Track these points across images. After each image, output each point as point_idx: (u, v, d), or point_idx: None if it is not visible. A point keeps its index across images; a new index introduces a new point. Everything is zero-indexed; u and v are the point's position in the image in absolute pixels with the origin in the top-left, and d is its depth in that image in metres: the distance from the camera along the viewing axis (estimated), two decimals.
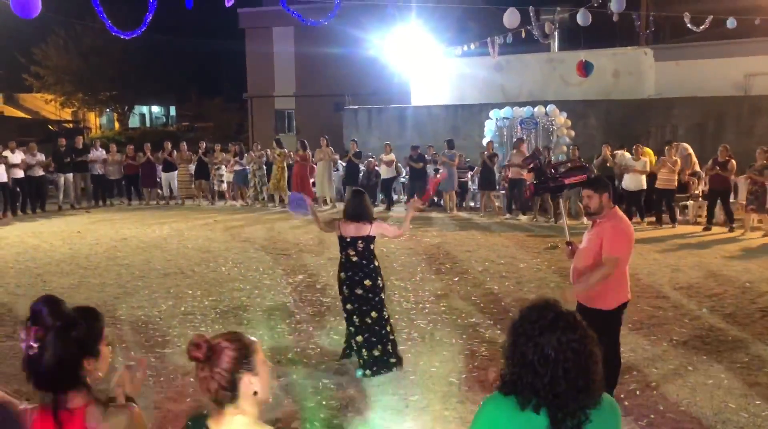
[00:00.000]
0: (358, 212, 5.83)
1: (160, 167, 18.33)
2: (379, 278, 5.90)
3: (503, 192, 16.17)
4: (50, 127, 39.53)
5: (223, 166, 18.28)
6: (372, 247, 5.88)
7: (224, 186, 18.61)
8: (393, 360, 5.85)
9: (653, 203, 14.09)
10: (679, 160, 13.85)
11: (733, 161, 13.02)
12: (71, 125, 42.26)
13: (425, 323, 7.22)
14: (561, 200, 7.21)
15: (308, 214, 6.42)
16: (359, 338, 5.82)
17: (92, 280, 9.32)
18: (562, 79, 19.87)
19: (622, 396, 5.22)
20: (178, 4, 9.93)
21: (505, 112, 17.31)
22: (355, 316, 5.85)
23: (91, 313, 2.19)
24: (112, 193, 18.63)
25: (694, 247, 11.47)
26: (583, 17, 13.43)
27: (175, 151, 18.29)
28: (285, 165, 17.40)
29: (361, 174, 17.53)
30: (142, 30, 7.97)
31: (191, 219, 15.13)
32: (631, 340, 6.52)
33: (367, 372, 5.72)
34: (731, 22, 15.04)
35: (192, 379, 5.65)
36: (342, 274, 5.93)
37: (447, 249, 11.36)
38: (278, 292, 8.56)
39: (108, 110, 42.87)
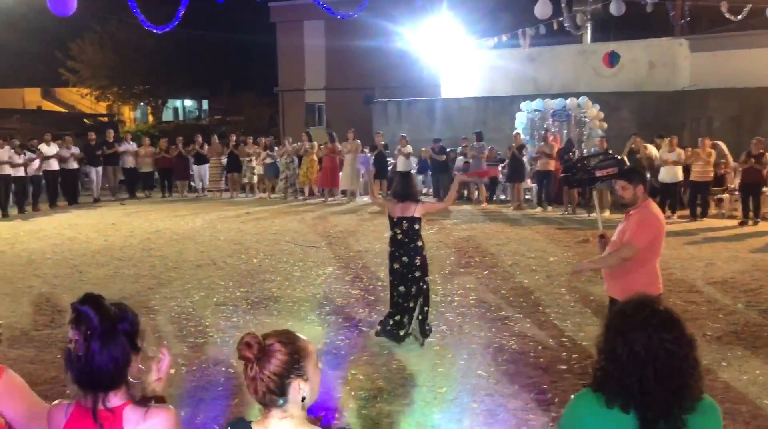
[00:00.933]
0: (405, 193, 6.28)
1: (192, 160, 18.61)
2: (418, 257, 6.29)
3: (534, 185, 16.05)
4: (86, 120, 40.26)
5: (254, 159, 18.46)
6: (417, 227, 6.30)
7: (255, 178, 18.80)
8: (401, 333, 6.27)
9: (688, 196, 13.87)
10: (713, 152, 13.61)
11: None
12: (106, 119, 42.96)
13: (454, 316, 7.23)
14: (594, 193, 7.15)
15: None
16: (392, 309, 6.42)
17: (126, 271, 9.51)
18: (595, 71, 19.59)
19: None
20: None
21: (537, 104, 17.15)
22: (393, 289, 6.42)
23: (127, 308, 2.11)
24: (147, 186, 18.97)
25: (728, 240, 11.26)
26: (616, 7, 13.24)
27: (206, 145, 18.53)
28: (315, 157, 17.52)
29: (390, 166, 17.58)
30: (175, 24, 8.06)
31: (223, 211, 15.31)
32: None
33: (378, 330, 6.40)
34: None
35: (224, 369, 5.75)
36: (389, 249, 6.50)
37: (477, 242, 11.32)
38: (308, 284, 8.64)
39: (142, 104, 43.48)
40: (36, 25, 33.65)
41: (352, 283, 8.65)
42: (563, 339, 6.42)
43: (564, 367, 5.73)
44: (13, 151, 15.06)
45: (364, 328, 6.85)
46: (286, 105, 32.69)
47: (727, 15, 15.57)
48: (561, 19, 15.15)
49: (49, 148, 16.31)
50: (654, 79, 18.92)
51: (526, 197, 16.28)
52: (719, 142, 14.44)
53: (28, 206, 15.61)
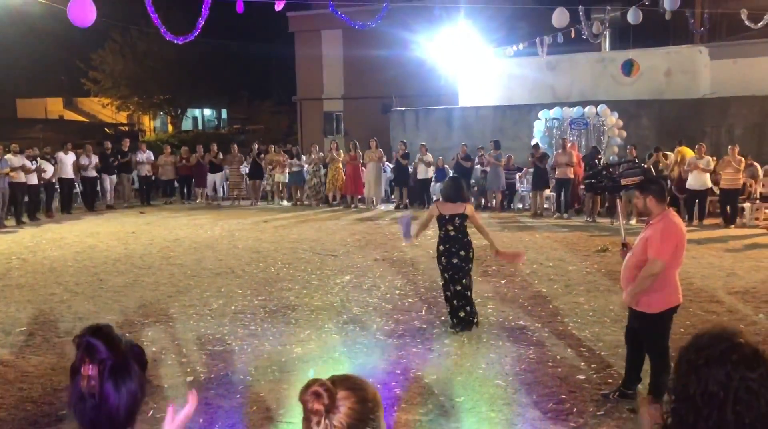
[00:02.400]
0: (455, 194, 6.98)
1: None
2: (471, 251, 6.97)
3: (553, 193, 16.01)
4: (106, 130, 40.79)
5: (277, 167, 18.55)
6: (465, 225, 6.93)
7: (278, 187, 18.95)
8: (474, 320, 6.97)
9: (722, 204, 13.82)
10: (743, 159, 13.48)
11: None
12: (126, 128, 43.54)
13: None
14: (618, 201, 7.09)
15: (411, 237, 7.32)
16: (455, 302, 6.94)
17: (146, 279, 9.59)
18: (614, 79, 19.50)
19: None
20: (229, 9, 10.17)
21: (555, 112, 17.11)
22: (451, 284, 6.93)
23: (128, 340, 1.87)
24: (167, 192, 19.24)
25: (750, 249, 11.12)
26: (633, 16, 13.18)
27: (220, 154, 18.77)
28: (341, 166, 17.69)
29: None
30: (195, 35, 8.17)
31: (242, 220, 15.40)
32: (682, 345, 6.37)
33: (457, 329, 6.88)
34: None
35: (242, 377, 5.78)
36: (441, 247, 6.99)
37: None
38: (326, 292, 8.66)
39: (162, 113, 43.97)
40: (58, 35, 34.22)
41: (370, 291, 8.66)
42: (582, 348, 6.38)
43: (582, 377, 5.69)
44: (25, 159, 15.32)
45: (381, 337, 6.85)
46: (304, 114, 32.88)
47: (747, 22, 15.43)
48: (579, 27, 15.07)
49: (67, 157, 16.64)
50: (673, 86, 18.80)
51: (545, 206, 16.23)
52: (754, 162, 14.26)
53: (41, 214, 15.87)
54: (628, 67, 16.72)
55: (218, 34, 28.09)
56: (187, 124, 46.56)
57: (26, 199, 15.55)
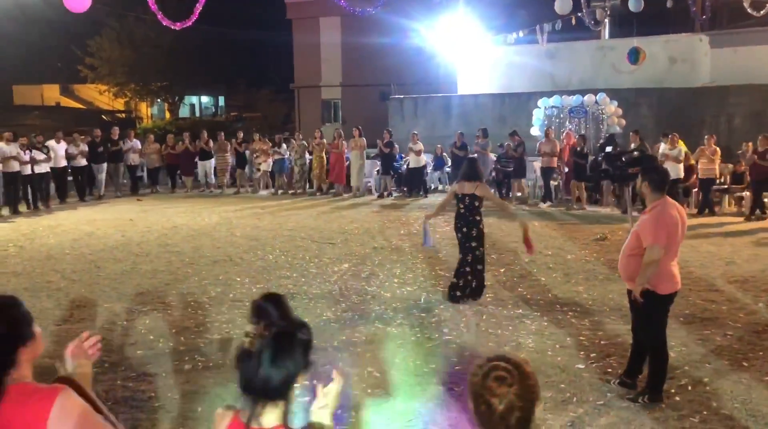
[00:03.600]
0: (471, 173, 7.41)
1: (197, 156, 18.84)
2: (475, 229, 7.39)
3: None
4: (103, 117, 40.59)
5: (261, 155, 18.54)
6: (476, 204, 7.38)
7: (261, 175, 18.94)
8: (457, 294, 7.45)
9: (697, 193, 14.08)
10: (718, 149, 13.70)
11: None
12: (123, 115, 43.32)
13: (471, 314, 7.18)
14: (627, 189, 7.03)
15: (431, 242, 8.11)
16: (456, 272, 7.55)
17: (144, 266, 9.56)
18: (613, 67, 19.41)
19: (672, 391, 5.10)
20: None
21: (554, 100, 17.03)
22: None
23: (300, 319, 1.97)
24: (153, 181, 19.00)
25: (749, 238, 11.10)
26: (635, 4, 13.08)
27: (211, 141, 18.71)
28: (324, 154, 17.65)
29: (403, 163, 17.65)
30: (193, 21, 8.08)
31: (239, 207, 15.34)
32: (682, 334, 6.37)
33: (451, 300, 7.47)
34: None
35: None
36: (454, 223, 7.62)
37: (493, 239, 11.23)
38: (324, 281, 8.63)
39: (159, 100, 43.73)
40: (54, 21, 33.96)
41: (368, 280, 8.63)
42: (581, 338, 6.36)
43: (582, 366, 5.67)
44: (20, 147, 15.08)
45: (379, 326, 6.82)
46: (302, 101, 32.74)
47: (750, 10, 15.32)
48: (580, 14, 14.97)
49: (59, 146, 16.37)
50: (673, 75, 18.72)
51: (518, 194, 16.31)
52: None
53: (41, 204, 15.64)
54: (635, 56, 16.67)
55: (215, 21, 27.88)
56: (184, 111, 46.33)
57: (22, 189, 15.33)
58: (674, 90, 17.85)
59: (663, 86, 18.23)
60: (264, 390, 1.82)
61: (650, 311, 4.93)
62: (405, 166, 17.62)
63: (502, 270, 9.10)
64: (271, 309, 1.86)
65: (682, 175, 13.73)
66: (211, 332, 6.68)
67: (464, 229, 7.38)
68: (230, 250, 10.56)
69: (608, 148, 14.24)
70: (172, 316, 7.20)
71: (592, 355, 5.91)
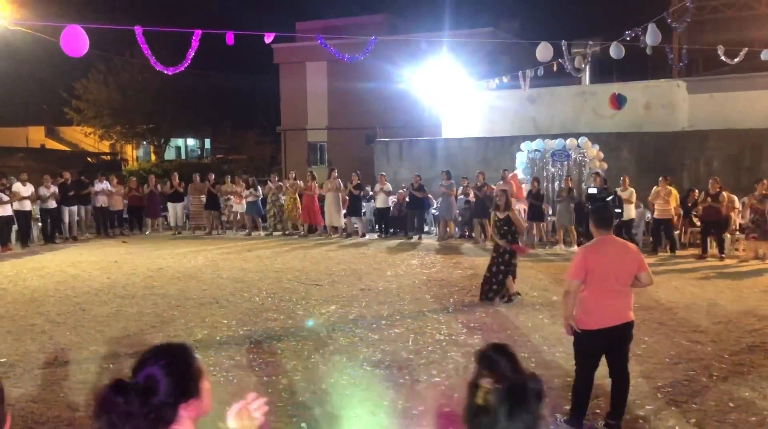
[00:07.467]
0: (503, 203, 9.66)
1: (165, 198, 18.98)
2: (500, 248, 9.55)
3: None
4: (89, 159, 40.57)
5: (233, 197, 18.71)
6: (506, 228, 9.54)
7: (232, 217, 19.12)
8: (490, 296, 9.64)
9: (652, 232, 14.79)
10: (673, 191, 14.28)
11: (725, 193, 13.59)
12: (109, 158, 43.31)
13: (459, 355, 7.19)
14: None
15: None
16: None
17: (129, 309, 9.49)
18: (594, 112, 19.85)
19: None
20: (214, 39, 10.27)
21: (537, 144, 17.33)
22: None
23: (531, 372, 1.94)
24: (114, 224, 18.79)
25: (732, 280, 11.25)
26: (615, 51, 13.46)
27: (182, 183, 18.92)
28: (297, 196, 17.91)
29: (392, 205, 17.88)
30: (186, 66, 8.22)
31: (225, 249, 15.32)
32: (669, 375, 6.41)
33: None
34: (765, 54, 14.93)
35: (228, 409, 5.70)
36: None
37: (479, 281, 11.29)
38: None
39: (145, 143, 43.84)
40: (41, 64, 34.18)
41: (356, 322, 8.63)
42: (568, 378, 6.37)
43: (567, 407, 5.68)
44: None
45: (367, 368, 6.81)
46: (288, 144, 33.00)
47: (723, 58, 15.82)
48: (561, 61, 15.33)
49: (25, 188, 16.14)
50: (652, 119, 19.16)
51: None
52: (733, 196, 14.52)
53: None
54: (623, 101, 17.29)
55: (204, 65, 28.19)
56: (170, 154, 46.42)
57: None
58: (653, 134, 18.25)
59: (642, 130, 18.64)
60: None
61: (574, 344, 5.17)
62: (373, 205, 18.02)
63: (490, 311, 9.14)
64: (501, 360, 1.80)
65: (633, 215, 14.67)
66: None
67: (497, 247, 9.75)
68: (216, 292, 10.52)
69: (591, 190, 14.63)
70: None
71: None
